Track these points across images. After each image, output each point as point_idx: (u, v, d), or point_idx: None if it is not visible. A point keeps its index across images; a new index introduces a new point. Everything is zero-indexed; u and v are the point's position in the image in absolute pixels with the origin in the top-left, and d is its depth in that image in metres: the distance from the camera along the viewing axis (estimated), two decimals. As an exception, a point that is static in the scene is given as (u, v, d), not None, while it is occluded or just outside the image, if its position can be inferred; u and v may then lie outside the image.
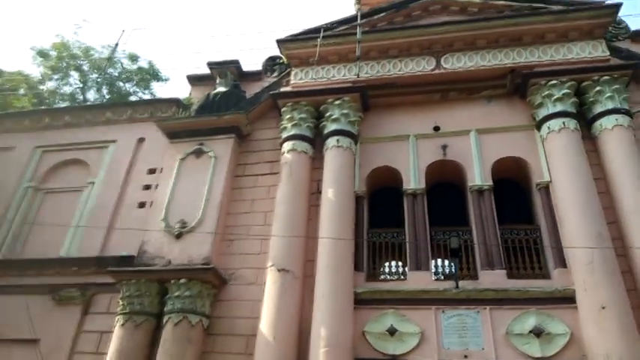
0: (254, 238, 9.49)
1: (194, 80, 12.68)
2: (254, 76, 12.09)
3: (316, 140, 10.44)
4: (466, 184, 9.61)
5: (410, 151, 10.03)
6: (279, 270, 8.64)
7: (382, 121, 10.56)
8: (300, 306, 8.54)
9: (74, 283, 9.81)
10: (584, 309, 7.72)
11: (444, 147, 9.86)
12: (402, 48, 10.60)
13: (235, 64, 11.98)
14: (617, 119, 9.02)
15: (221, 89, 11.60)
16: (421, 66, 10.49)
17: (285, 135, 10.42)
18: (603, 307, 7.44)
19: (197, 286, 8.83)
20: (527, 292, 8.15)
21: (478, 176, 9.48)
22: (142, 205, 10.78)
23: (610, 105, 9.20)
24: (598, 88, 9.36)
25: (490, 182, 9.41)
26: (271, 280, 8.65)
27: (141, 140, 11.90)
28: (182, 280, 8.83)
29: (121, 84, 21.72)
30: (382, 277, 9.75)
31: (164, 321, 8.69)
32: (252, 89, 11.69)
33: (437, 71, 10.36)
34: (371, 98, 10.60)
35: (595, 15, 9.88)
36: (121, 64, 21.76)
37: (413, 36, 10.53)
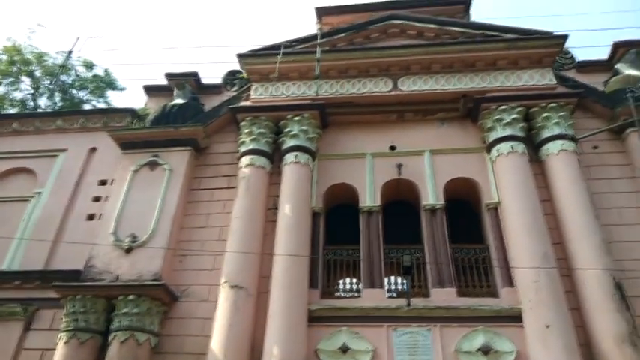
0: (208, 254, 9.32)
1: (151, 91, 12.46)
2: (213, 89, 12.02)
3: (274, 156, 10.44)
4: (420, 203, 9.81)
5: (367, 169, 10.18)
6: (232, 286, 8.52)
7: (340, 139, 10.69)
8: (253, 323, 8.43)
9: (16, 298, 9.38)
10: (530, 327, 7.97)
11: (400, 166, 10.06)
12: (361, 68, 10.81)
13: (194, 76, 11.89)
14: (562, 144, 9.47)
15: (179, 101, 11.45)
16: (379, 87, 10.72)
17: (243, 149, 10.36)
18: (548, 326, 7.71)
19: (146, 303, 8.57)
20: (476, 310, 8.35)
21: (431, 196, 9.71)
22: (91, 217, 10.45)
23: (556, 131, 9.66)
24: (545, 115, 9.82)
25: (442, 202, 9.65)
26: (224, 297, 8.50)
27: (92, 150, 11.58)
28: (130, 297, 8.55)
29: (75, 91, 21.05)
30: (337, 294, 9.77)
31: (110, 339, 8.39)
32: (210, 102, 11.61)
33: (394, 92, 10.62)
34: (330, 116, 10.72)
35: (544, 45, 10.40)
36: (76, 71, 21.12)
37: (371, 57, 10.77)
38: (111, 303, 8.73)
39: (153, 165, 10.34)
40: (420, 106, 10.66)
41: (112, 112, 12.50)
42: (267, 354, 7.92)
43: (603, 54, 11.32)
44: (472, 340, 8.07)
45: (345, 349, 8.14)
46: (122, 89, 21.71)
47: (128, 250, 9.24)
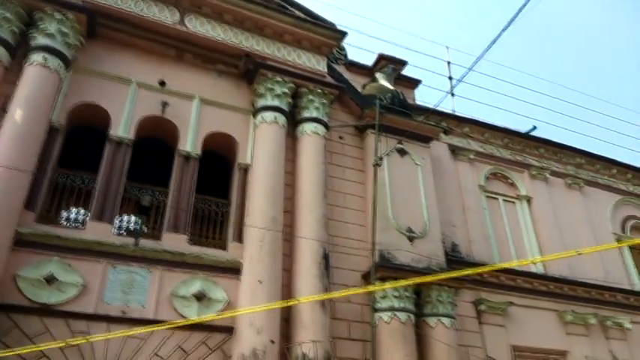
0: None
1: None
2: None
3: (18, 50, 8.75)
4: (176, 147, 9.60)
5: (128, 97, 9.45)
6: None
7: (106, 56, 9.61)
8: None
9: None
10: (245, 281, 8.65)
11: (165, 104, 9.64)
12: (149, -12, 9.87)
13: None
14: (316, 127, 10.47)
15: None
16: (164, 15, 9.98)
17: (-26, 32, 8.37)
18: (260, 282, 8.51)
19: None
20: (202, 258, 8.66)
21: (189, 143, 9.60)
22: None
23: (315, 114, 10.62)
24: (310, 97, 10.68)
25: (199, 152, 9.64)
26: None
27: None
28: None
29: None
30: (60, 221, 8.88)
31: None
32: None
33: (179, 27, 10.03)
34: (100, 27, 9.53)
35: (325, 34, 11.23)
36: None
37: (162, -20, 9.90)
38: None
39: None
40: (202, 50, 10.35)
41: None
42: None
43: (370, 60, 12.92)
44: (189, 286, 8.34)
45: (50, 280, 7.43)
46: None
47: None
